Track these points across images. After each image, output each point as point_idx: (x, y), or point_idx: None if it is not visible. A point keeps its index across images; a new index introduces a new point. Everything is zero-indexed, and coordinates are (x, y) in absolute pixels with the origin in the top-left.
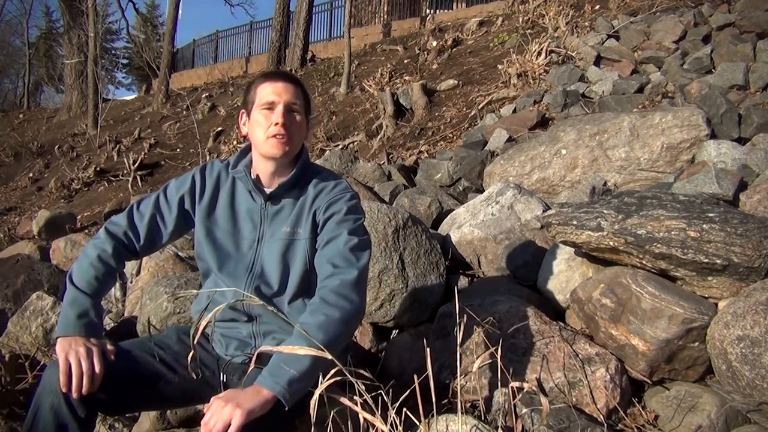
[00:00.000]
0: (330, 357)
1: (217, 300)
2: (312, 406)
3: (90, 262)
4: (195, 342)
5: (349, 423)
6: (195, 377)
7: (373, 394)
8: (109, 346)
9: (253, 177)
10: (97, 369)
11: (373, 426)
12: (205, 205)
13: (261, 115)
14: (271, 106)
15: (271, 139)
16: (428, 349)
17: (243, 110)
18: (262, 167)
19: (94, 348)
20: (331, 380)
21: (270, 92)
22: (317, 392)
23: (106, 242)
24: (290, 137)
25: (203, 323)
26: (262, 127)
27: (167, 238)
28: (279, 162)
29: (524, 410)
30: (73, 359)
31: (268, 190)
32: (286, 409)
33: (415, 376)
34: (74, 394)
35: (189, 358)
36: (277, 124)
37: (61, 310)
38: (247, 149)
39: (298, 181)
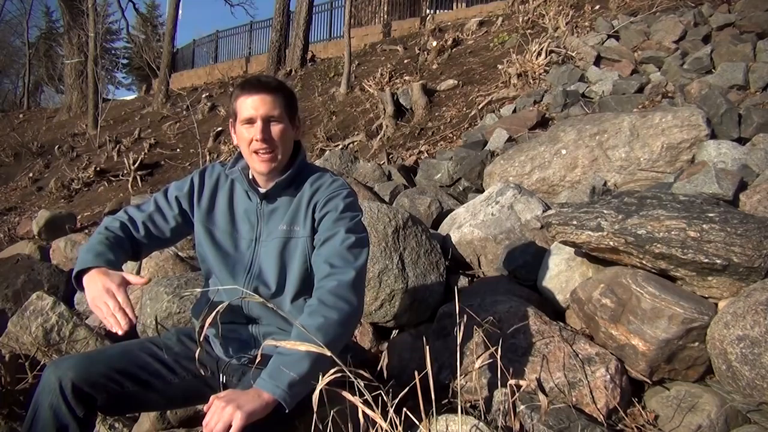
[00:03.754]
0: (330, 356)
1: (215, 302)
2: (315, 401)
3: (96, 238)
4: (201, 339)
5: (349, 423)
6: (203, 374)
7: (374, 394)
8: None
9: (249, 177)
10: (121, 300)
11: (373, 425)
12: (204, 207)
13: (243, 129)
14: (250, 121)
15: (255, 155)
16: (427, 348)
17: (231, 120)
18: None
19: (116, 277)
20: (331, 377)
21: (248, 106)
22: (317, 389)
23: (112, 221)
24: (273, 149)
25: (209, 320)
26: (245, 142)
27: (169, 234)
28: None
29: (523, 409)
30: (106, 299)
31: (263, 189)
32: (286, 411)
33: (416, 374)
34: (121, 330)
35: (197, 354)
36: (257, 140)
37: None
38: None
39: (294, 180)
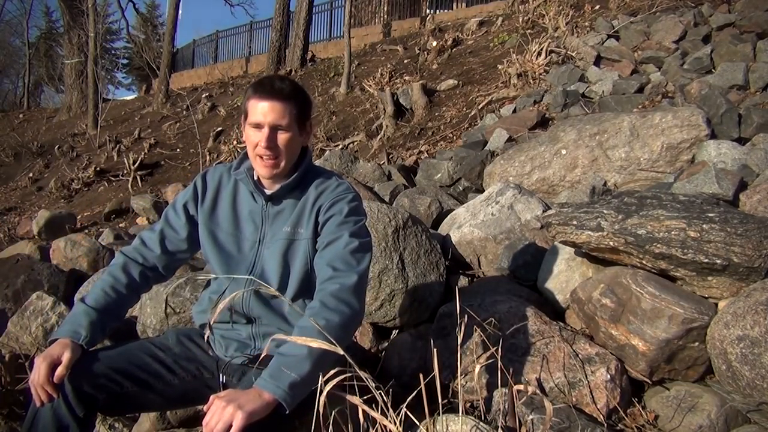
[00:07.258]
0: (331, 359)
1: (218, 301)
2: (322, 403)
3: (100, 278)
4: (212, 323)
5: (349, 423)
6: (209, 355)
7: (373, 394)
8: (66, 355)
9: (255, 178)
10: (41, 378)
11: (373, 425)
12: (207, 208)
13: (250, 132)
14: (257, 126)
15: (258, 159)
16: (435, 350)
17: (242, 117)
18: None
19: (53, 356)
20: (334, 382)
21: (258, 111)
22: (323, 394)
23: (117, 258)
24: (276, 157)
25: (220, 306)
26: (251, 144)
27: (185, 245)
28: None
29: (524, 411)
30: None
31: (269, 191)
32: (287, 412)
33: (419, 374)
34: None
35: (205, 336)
36: (262, 146)
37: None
38: None
39: (299, 183)
